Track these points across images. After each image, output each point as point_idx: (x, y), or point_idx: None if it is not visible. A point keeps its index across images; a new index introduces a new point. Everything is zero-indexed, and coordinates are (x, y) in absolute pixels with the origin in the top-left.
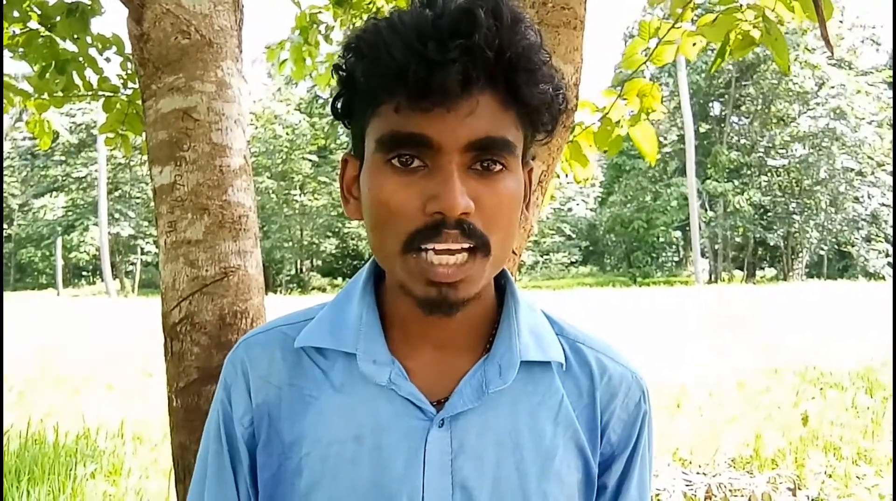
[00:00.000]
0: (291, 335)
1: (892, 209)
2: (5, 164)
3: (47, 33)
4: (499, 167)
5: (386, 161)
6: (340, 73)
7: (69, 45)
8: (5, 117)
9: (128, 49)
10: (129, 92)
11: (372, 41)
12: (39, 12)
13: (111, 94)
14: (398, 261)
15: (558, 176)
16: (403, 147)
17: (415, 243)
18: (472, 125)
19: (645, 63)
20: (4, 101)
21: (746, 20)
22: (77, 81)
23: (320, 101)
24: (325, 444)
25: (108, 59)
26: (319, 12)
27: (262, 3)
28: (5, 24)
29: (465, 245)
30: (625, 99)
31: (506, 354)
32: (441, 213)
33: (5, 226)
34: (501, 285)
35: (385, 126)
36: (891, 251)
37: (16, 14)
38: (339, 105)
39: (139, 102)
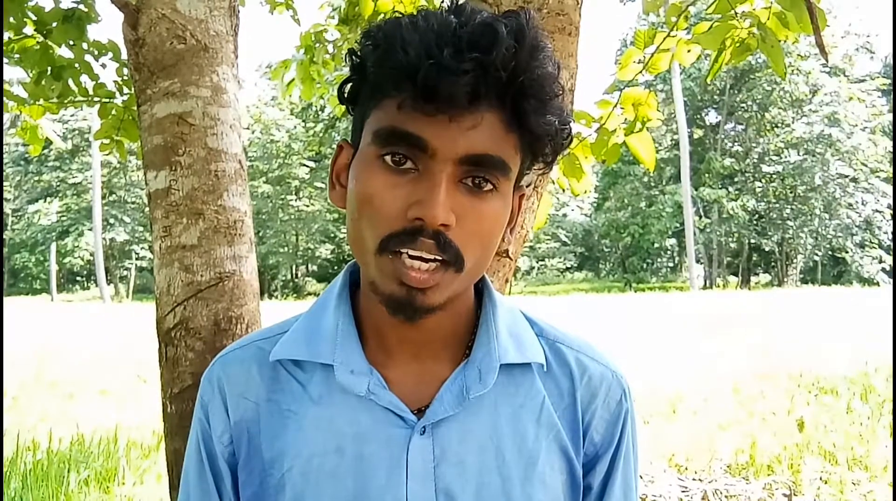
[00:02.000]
0: (267, 349)
1: (889, 215)
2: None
3: (43, 39)
4: (489, 187)
5: (378, 156)
6: (353, 58)
7: (65, 52)
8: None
9: (124, 55)
10: (124, 98)
11: (390, 34)
12: (35, 18)
13: (107, 100)
14: (373, 259)
15: (553, 181)
16: (399, 145)
17: (390, 245)
18: (471, 139)
19: (641, 72)
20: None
21: (742, 27)
22: (73, 86)
23: (313, 108)
24: (305, 458)
25: (103, 66)
26: (324, 31)
27: (266, 19)
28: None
29: (439, 257)
30: (621, 108)
31: (485, 358)
32: (421, 220)
33: None
34: (479, 288)
35: (385, 120)
36: (884, 257)
37: (11, 20)
38: (346, 90)
39: (135, 108)
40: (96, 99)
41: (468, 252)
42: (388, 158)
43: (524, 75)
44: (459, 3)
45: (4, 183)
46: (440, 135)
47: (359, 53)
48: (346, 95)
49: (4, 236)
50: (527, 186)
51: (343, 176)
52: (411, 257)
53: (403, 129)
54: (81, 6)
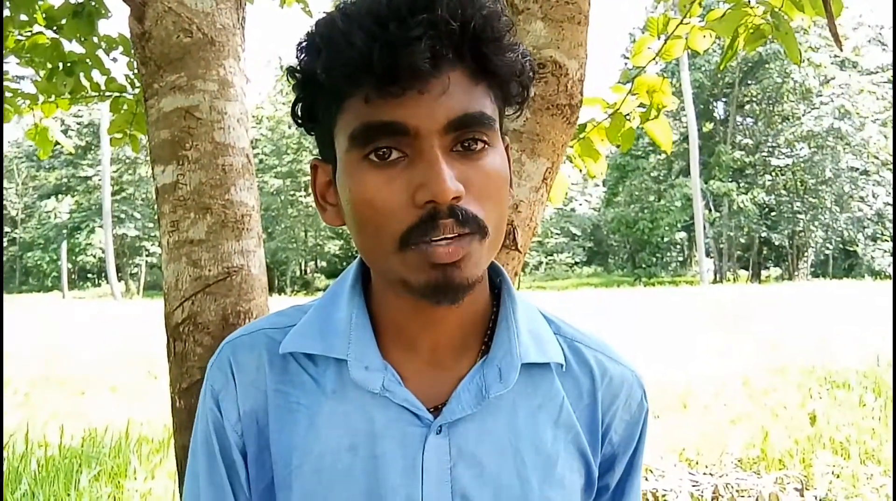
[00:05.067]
0: (276, 338)
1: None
2: (6, 167)
3: (54, 35)
4: (481, 146)
5: (363, 157)
6: (296, 75)
7: (76, 47)
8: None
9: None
10: (136, 91)
11: (327, 34)
12: (45, 15)
13: (118, 94)
14: (395, 259)
15: (562, 173)
16: (379, 138)
17: (411, 240)
18: (447, 104)
19: (654, 59)
20: (12, 107)
21: (755, 15)
22: (84, 82)
23: None
24: (317, 455)
25: (114, 60)
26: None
27: (276, 14)
28: (11, 29)
29: (462, 232)
30: (635, 94)
31: (505, 356)
32: (433, 201)
33: (9, 229)
34: (497, 283)
35: (355, 120)
36: None
37: (23, 17)
38: (298, 110)
39: None
40: (108, 94)
41: (486, 215)
42: (372, 155)
43: (474, 20)
44: None
45: (13, 180)
46: (416, 112)
47: (299, 68)
48: (300, 116)
49: (16, 235)
50: (543, 181)
51: (328, 195)
52: (437, 241)
53: (377, 120)
54: (91, 1)
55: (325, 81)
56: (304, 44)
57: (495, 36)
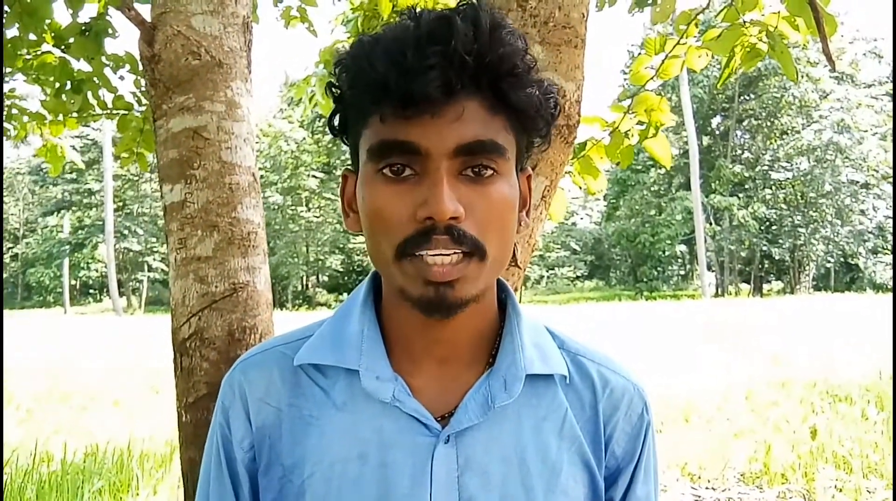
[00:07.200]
0: (289, 354)
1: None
2: (6, 183)
3: (62, 55)
4: (490, 172)
5: (377, 171)
6: (333, 90)
7: (83, 65)
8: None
9: (141, 66)
10: (143, 109)
11: (356, 55)
12: (53, 34)
13: (126, 112)
14: (394, 267)
15: (563, 190)
16: (393, 155)
17: (407, 250)
18: (458, 130)
19: (652, 78)
20: (19, 125)
21: (751, 34)
22: (92, 100)
23: (322, 120)
24: (328, 464)
25: (121, 78)
26: (343, 45)
27: (279, 33)
28: (20, 48)
29: (457, 250)
30: (633, 113)
31: (510, 367)
32: (431, 219)
33: (11, 245)
34: (502, 298)
35: (374, 136)
36: None
37: (32, 37)
38: (335, 122)
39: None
40: (115, 111)
41: (487, 240)
42: (386, 170)
43: (490, 55)
44: (417, 10)
45: (15, 195)
46: (427, 134)
47: (335, 83)
48: (336, 128)
49: (18, 250)
50: (542, 199)
51: (354, 203)
52: (430, 255)
53: (392, 138)
54: (99, 21)
55: (350, 99)
56: (340, 61)
57: (513, 72)
